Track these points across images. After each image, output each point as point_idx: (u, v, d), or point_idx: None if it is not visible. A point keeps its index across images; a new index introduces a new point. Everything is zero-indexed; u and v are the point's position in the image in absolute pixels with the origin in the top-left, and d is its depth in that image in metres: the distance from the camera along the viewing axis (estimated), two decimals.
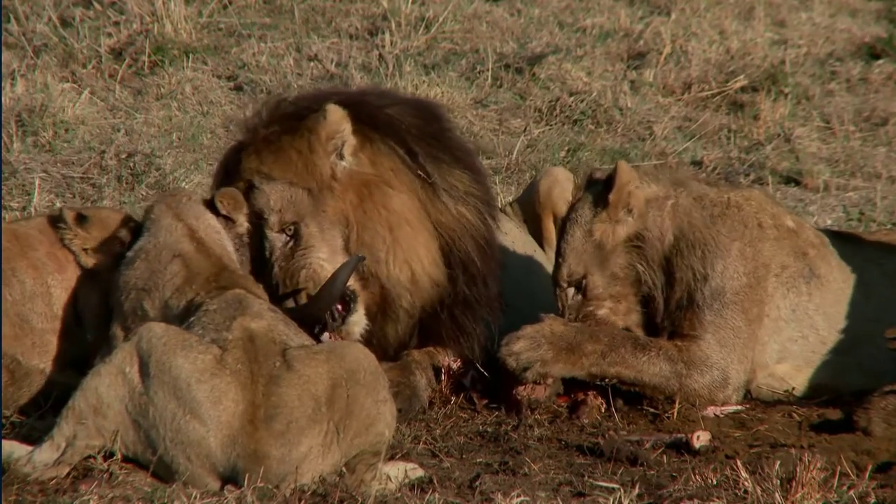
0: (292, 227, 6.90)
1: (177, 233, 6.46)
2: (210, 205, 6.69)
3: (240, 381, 5.74)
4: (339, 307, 6.88)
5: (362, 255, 6.87)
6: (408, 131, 7.09)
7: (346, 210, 6.97)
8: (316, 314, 6.77)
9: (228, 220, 6.71)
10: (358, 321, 6.94)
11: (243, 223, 6.77)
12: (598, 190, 7.13)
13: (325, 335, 6.86)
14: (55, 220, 6.80)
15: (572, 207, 7.16)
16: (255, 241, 6.89)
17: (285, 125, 6.99)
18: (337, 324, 6.86)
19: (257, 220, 6.88)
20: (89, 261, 6.78)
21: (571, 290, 7.10)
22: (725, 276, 7.05)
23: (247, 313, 5.96)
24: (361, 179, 7.00)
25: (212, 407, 5.70)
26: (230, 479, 5.70)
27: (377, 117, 7.07)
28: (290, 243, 6.91)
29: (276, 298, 6.75)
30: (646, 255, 7.07)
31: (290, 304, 6.83)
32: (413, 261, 7.02)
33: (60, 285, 6.76)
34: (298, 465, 5.73)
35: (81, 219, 6.78)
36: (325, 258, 6.92)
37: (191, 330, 5.92)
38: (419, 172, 7.07)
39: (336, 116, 6.93)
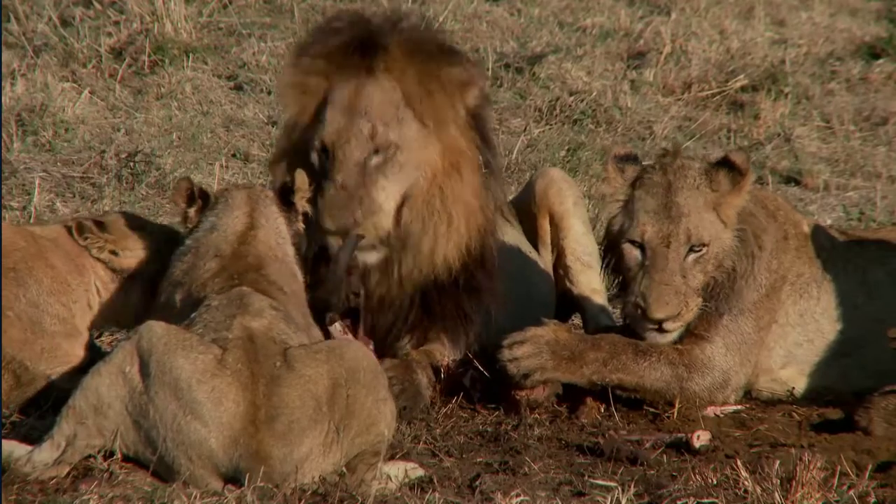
0: (388, 150, 6.86)
1: (232, 229, 6.43)
2: (282, 192, 6.58)
3: (240, 381, 5.73)
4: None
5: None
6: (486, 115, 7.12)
7: (436, 166, 6.96)
8: (326, 298, 6.76)
9: (291, 211, 6.58)
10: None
11: (298, 215, 6.64)
12: (714, 168, 6.95)
13: (336, 325, 6.85)
14: (78, 230, 6.74)
15: (681, 169, 6.97)
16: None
17: (435, 63, 6.93)
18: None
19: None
20: (124, 262, 6.75)
21: (684, 250, 6.90)
22: (750, 283, 7.00)
23: (247, 312, 5.95)
24: (458, 148, 7.01)
25: (213, 408, 5.69)
26: (232, 479, 5.70)
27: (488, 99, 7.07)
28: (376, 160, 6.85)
29: None
30: (744, 245, 6.99)
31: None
32: (449, 243, 7.00)
33: (81, 286, 6.72)
34: (300, 465, 5.72)
35: (99, 226, 6.76)
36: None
37: (192, 326, 5.91)
38: (484, 157, 7.12)
39: (481, 80, 6.97)
